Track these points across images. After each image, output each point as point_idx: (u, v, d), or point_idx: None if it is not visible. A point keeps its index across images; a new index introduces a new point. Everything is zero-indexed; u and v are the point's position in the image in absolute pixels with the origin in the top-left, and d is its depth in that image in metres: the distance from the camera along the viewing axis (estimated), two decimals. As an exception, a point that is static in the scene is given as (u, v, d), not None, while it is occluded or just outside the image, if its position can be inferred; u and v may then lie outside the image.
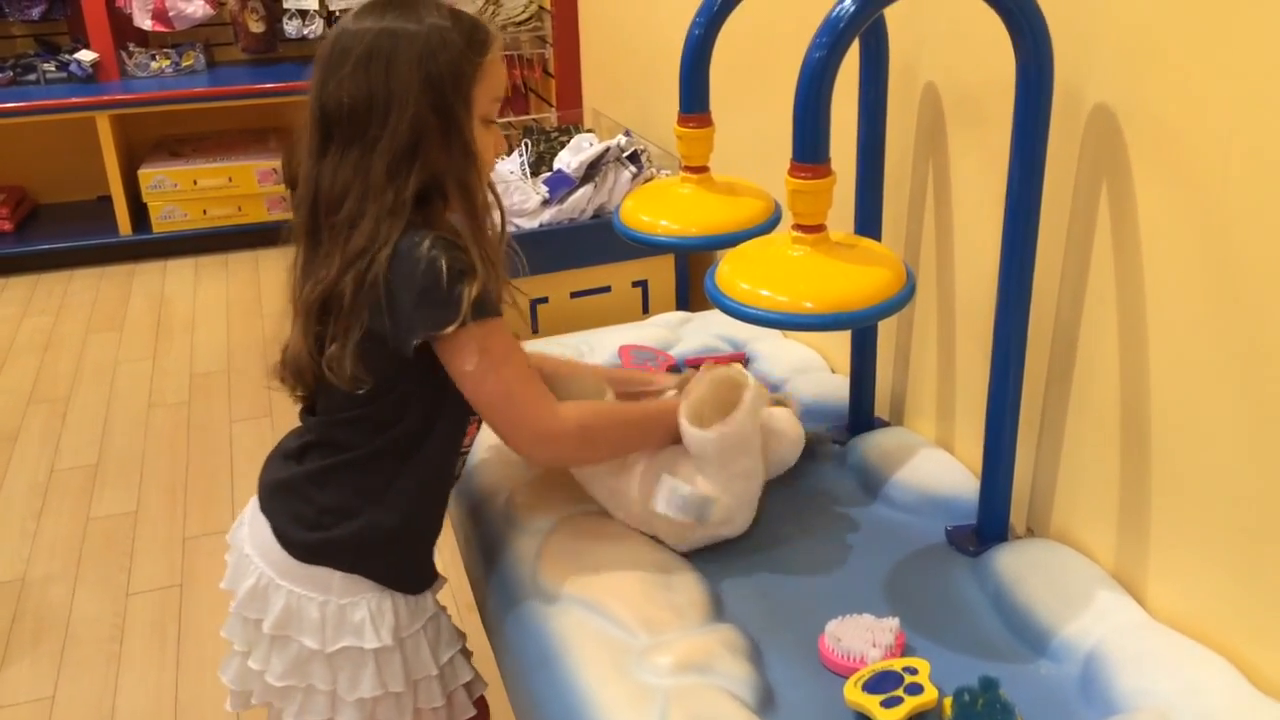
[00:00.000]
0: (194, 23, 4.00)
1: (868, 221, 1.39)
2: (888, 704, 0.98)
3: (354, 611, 1.18)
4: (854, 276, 1.03)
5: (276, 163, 3.91)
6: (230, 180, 3.92)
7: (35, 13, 3.95)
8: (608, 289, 2.34)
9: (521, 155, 2.43)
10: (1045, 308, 1.21)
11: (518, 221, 2.26)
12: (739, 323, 1.05)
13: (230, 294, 3.70)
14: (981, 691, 0.97)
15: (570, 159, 2.33)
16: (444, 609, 1.28)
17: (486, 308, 1.10)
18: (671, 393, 1.32)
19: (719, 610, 1.16)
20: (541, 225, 2.27)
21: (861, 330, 1.44)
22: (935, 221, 1.41)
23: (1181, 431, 1.07)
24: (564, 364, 1.40)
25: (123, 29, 3.99)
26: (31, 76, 3.92)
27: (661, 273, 2.39)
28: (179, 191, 3.90)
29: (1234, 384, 1.00)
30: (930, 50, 1.36)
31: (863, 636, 1.07)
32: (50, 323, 3.52)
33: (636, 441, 1.22)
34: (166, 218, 3.93)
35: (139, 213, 3.93)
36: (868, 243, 1.13)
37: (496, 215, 1.20)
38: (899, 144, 1.41)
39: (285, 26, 4.03)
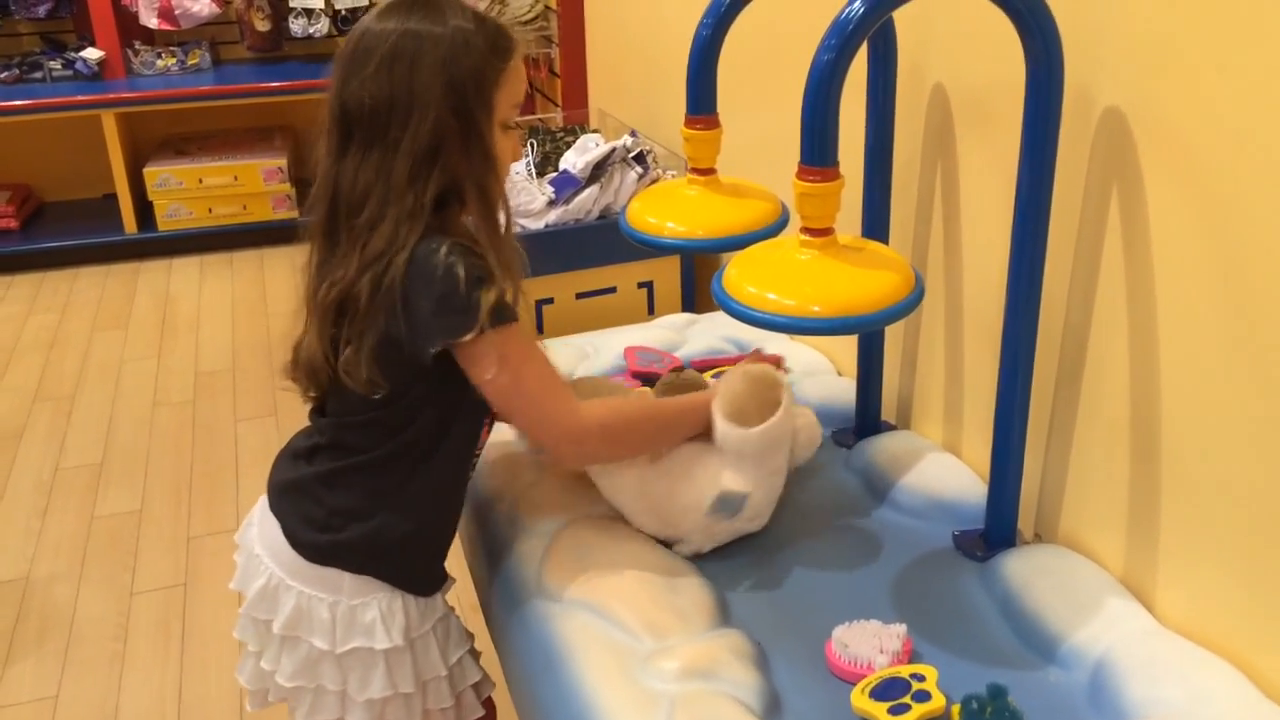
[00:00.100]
0: (200, 21, 4.00)
1: (875, 224, 1.39)
2: (895, 711, 0.98)
3: (365, 612, 1.17)
4: (863, 280, 1.02)
5: (282, 161, 3.92)
6: (236, 179, 3.91)
7: (41, 11, 3.95)
8: (613, 290, 2.34)
9: (527, 155, 2.42)
10: (1054, 311, 1.20)
11: (523, 222, 2.26)
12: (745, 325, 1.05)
13: (235, 292, 3.70)
14: (990, 699, 0.97)
15: (576, 159, 2.32)
16: (452, 609, 1.28)
17: (504, 313, 1.10)
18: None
19: (725, 615, 1.16)
20: (547, 226, 2.26)
21: (868, 333, 1.43)
22: (943, 224, 1.40)
23: (1192, 437, 1.06)
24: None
25: (129, 27, 4.00)
26: (37, 74, 3.92)
27: (667, 274, 2.38)
28: (184, 190, 3.90)
29: (1245, 389, 0.99)
30: (938, 51, 1.35)
31: (870, 642, 1.07)
32: (55, 321, 3.52)
33: (663, 437, 1.23)
34: (172, 216, 3.93)
35: (144, 211, 3.93)
36: (876, 246, 1.12)
37: (502, 216, 1.20)
38: (907, 146, 1.41)
39: (291, 25, 4.03)
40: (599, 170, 2.30)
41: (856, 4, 0.96)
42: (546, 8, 3.39)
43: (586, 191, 2.28)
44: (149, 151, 4.02)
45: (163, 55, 4.03)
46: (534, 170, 2.37)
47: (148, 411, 2.96)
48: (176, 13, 3.94)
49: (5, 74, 3.89)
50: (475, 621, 1.39)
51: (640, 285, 2.37)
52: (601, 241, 2.26)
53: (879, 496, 1.35)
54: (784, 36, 1.74)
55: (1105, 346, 1.16)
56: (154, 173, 3.86)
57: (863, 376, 1.47)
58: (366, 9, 3.96)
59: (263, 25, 4.09)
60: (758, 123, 1.76)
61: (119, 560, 2.35)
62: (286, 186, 3.94)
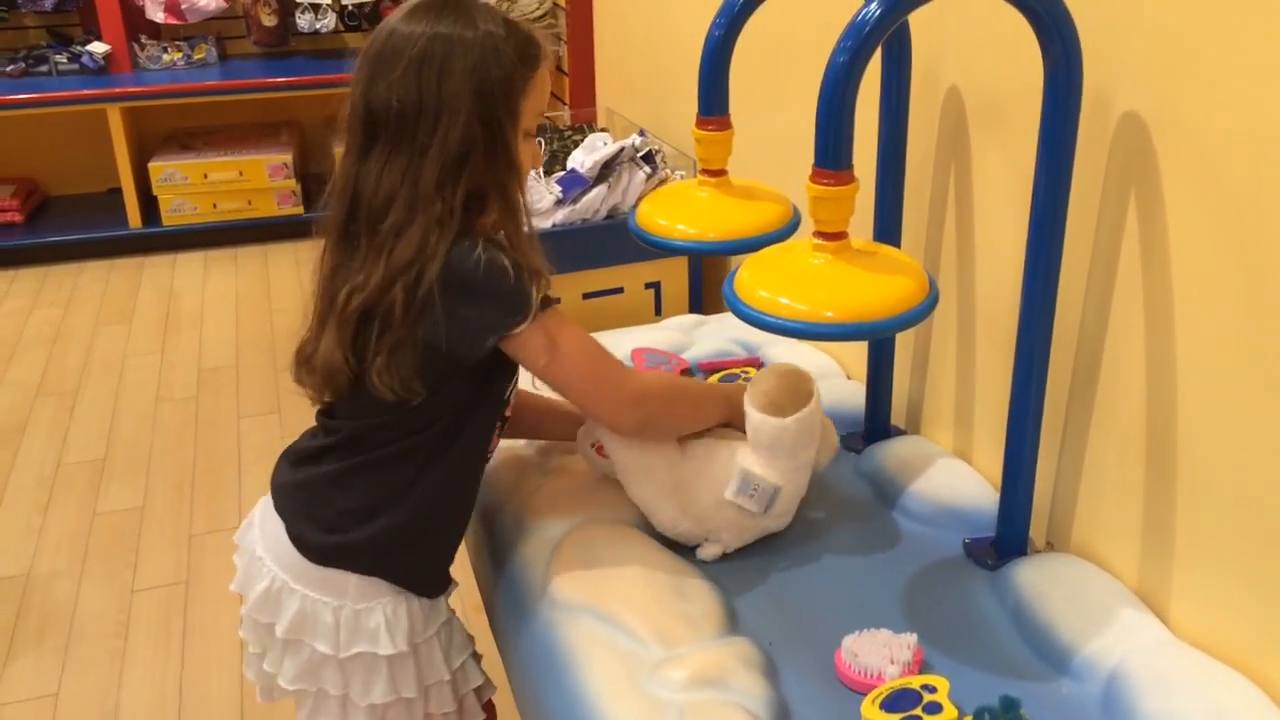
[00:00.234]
0: (206, 15, 3.99)
1: (888, 227, 1.37)
2: (906, 723, 0.97)
3: (369, 617, 1.16)
4: (876, 286, 1.01)
5: (287, 157, 3.91)
6: (241, 174, 3.91)
7: (48, 4, 3.94)
8: (620, 290, 2.33)
9: (534, 154, 2.41)
10: (1069, 316, 1.19)
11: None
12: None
13: (239, 288, 3.69)
14: (1002, 711, 0.95)
15: (584, 158, 2.31)
16: (454, 612, 1.27)
17: (547, 298, 1.13)
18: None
19: (733, 622, 1.14)
20: (554, 225, 2.25)
21: (879, 337, 1.42)
22: (956, 228, 1.39)
23: (1208, 445, 1.05)
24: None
25: (135, 21, 3.99)
26: (43, 68, 3.91)
27: (675, 275, 2.37)
28: (189, 185, 3.89)
29: (1264, 397, 0.98)
30: (953, 53, 1.34)
31: (880, 652, 1.05)
32: (59, 315, 3.51)
33: (701, 409, 1.26)
34: (176, 211, 3.92)
35: (149, 206, 3.92)
36: (890, 250, 1.11)
37: (524, 218, 1.20)
38: (920, 148, 1.39)
39: (298, 20, 4.02)
40: (607, 169, 2.28)
41: (873, 5, 0.95)
42: (555, 5, 3.38)
43: (594, 191, 2.26)
44: (154, 146, 4.01)
45: (169, 50, 4.02)
46: (541, 169, 2.36)
47: (150, 407, 2.95)
48: (183, 7, 3.94)
49: (11, 67, 3.88)
50: (478, 623, 1.38)
51: (648, 286, 2.35)
52: (609, 241, 2.25)
53: (888, 502, 1.34)
54: (797, 37, 1.72)
55: (1121, 352, 1.14)
56: (159, 167, 3.86)
57: (872, 380, 1.46)
58: (373, 5, 3.99)
59: (269, 20, 4.08)
60: (769, 124, 1.75)
61: (120, 557, 2.34)
62: (292, 182, 3.93)
